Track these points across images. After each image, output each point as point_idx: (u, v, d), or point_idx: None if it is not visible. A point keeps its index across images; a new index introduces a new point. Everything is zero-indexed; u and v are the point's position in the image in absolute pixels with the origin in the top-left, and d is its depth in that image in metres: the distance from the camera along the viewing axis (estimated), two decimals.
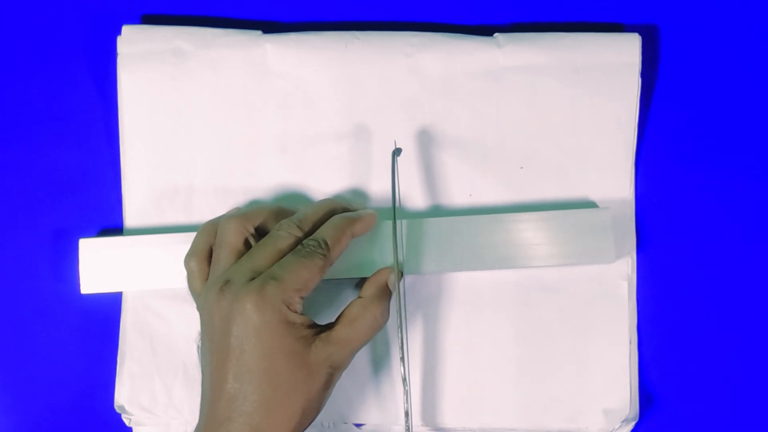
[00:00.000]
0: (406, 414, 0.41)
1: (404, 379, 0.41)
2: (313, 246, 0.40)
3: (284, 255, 0.40)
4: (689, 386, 0.46)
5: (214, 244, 0.42)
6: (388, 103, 0.46)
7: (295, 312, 0.39)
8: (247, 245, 0.41)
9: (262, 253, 0.40)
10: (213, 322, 0.38)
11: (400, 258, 0.44)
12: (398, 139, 0.45)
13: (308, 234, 0.41)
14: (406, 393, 0.41)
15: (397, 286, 0.42)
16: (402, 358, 0.41)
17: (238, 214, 0.42)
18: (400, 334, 0.41)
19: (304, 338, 0.39)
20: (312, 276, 0.39)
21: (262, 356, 0.37)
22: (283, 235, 0.40)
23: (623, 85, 0.45)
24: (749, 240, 0.47)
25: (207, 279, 0.41)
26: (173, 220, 0.46)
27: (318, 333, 0.39)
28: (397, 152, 0.44)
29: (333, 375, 0.39)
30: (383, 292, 0.42)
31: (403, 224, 0.44)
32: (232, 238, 0.41)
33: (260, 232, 0.42)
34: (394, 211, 0.43)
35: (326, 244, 0.40)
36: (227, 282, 0.39)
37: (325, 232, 0.41)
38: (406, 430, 0.41)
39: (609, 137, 0.46)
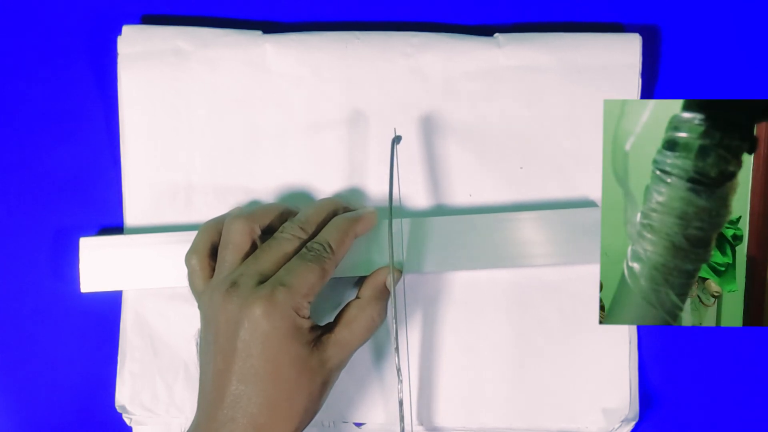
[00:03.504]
0: (400, 403, 0.41)
1: (398, 369, 0.41)
2: (318, 249, 0.40)
3: (289, 258, 0.40)
4: (689, 386, 0.46)
5: (219, 244, 0.41)
6: (388, 103, 0.46)
7: (303, 317, 0.39)
8: (254, 246, 0.41)
9: (268, 257, 0.40)
10: (218, 323, 0.38)
11: (401, 257, 0.44)
12: (398, 139, 0.45)
13: (312, 236, 0.41)
14: (400, 382, 0.41)
15: (392, 284, 0.42)
16: (396, 348, 0.41)
17: (244, 214, 0.41)
18: (395, 336, 0.41)
19: (309, 342, 0.39)
20: (318, 280, 0.39)
21: (269, 361, 0.38)
22: (288, 237, 0.40)
23: (623, 85, 0.45)
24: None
25: (209, 277, 0.41)
26: (173, 219, 0.46)
27: (320, 336, 0.40)
28: (396, 140, 0.43)
29: (332, 375, 0.40)
30: (381, 293, 0.42)
31: (403, 223, 0.44)
32: (239, 239, 0.41)
33: (266, 233, 0.42)
34: (391, 200, 0.42)
35: (330, 247, 0.40)
36: (234, 284, 0.39)
37: (328, 234, 0.41)
38: (400, 419, 0.41)
39: None
